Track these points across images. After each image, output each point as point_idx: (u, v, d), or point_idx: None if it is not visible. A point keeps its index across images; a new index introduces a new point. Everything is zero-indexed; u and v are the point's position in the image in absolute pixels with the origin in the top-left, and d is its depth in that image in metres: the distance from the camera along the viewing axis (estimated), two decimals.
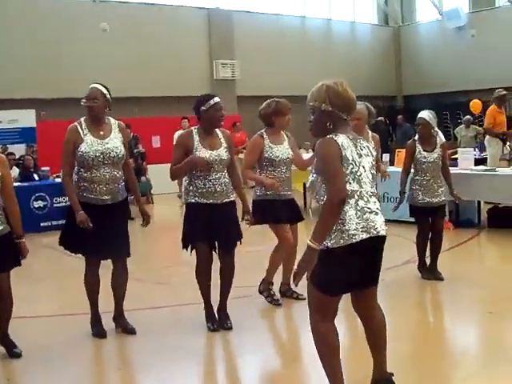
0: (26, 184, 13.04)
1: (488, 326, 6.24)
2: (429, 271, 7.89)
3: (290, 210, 6.88)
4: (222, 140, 6.09)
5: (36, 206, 12.59)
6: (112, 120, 5.99)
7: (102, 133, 5.85)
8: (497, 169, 11.06)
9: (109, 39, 18.78)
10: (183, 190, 6.27)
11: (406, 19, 26.28)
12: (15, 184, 11.95)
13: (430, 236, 7.90)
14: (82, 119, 5.86)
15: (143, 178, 16.40)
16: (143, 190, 16.47)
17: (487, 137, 13.00)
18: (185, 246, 6.17)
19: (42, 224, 12.41)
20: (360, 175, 4.06)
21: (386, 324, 4.37)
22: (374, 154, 4.29)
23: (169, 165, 6.05)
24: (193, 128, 6.16)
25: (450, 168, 11.24)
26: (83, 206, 5.73)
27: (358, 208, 4.02)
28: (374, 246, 4.09)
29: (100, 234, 5.74)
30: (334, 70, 22.86)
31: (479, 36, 22.23)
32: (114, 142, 5.86)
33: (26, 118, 17.18)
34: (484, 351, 5.69)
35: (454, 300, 7.22)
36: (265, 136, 6.77)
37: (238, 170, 6.37)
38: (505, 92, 13.28)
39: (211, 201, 6.00)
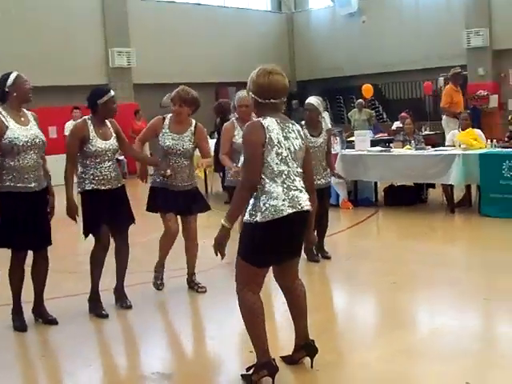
0: None
1: (393, 294, 6.61)
2: (317, 251, 8.13)
3: (183, 201, 6.80)
4: (111, 130, 6.32)
5: None
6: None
7: (22, 119, 5.86)
8: (392, 149, 11.55)
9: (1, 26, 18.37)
10: (77, 179, 6.34)
11: (298, 6, 26.67)
12: None
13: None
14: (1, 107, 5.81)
15: None
16: None
17: (444, 117, 12.81)
18: (87, 234, 6.30)
19: None
20: (286, 156, 4.35)
21: (306, 294, 4.67)
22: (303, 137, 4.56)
23: None
24: (86, 118, 6.30)
25: (348, 150, 11.80)
26: (9, 195, 5.73)
27: (285, 186, 4.33)
28: (298, 220, 4.40)
29: (28, 224, 5.79)
30: (228, 56, 23.17)
31: (369, 22, 22.85)
32: (36, 129, 5.92)
33: None
34: (387, 317, 6.07)
35: (358, 274, 7.62)
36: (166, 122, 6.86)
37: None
38: (460, 69, 13.45)
39: (108, 187, 6.21)
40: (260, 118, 4.34)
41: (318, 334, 4.83)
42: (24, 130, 5.78)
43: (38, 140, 5.85)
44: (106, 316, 6.30)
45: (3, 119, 5.72)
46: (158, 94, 19.64)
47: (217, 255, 4.35)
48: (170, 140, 6.73)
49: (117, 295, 6.62)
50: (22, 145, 5.73)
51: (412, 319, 6.05)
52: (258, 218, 4.25)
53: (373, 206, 11.61)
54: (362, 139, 11.80)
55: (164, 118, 6.87)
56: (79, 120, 6.41)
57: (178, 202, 6.76)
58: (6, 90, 5.76)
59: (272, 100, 4.36)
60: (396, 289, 6.75)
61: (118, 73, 20.57)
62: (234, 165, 7.13)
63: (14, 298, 6.07)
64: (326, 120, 7.93)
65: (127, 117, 19.41)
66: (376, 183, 11.90)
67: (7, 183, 5.75)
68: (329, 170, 8.12)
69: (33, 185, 5.83)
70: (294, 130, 4.45)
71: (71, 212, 6.18)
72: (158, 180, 6.77)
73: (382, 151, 11.50)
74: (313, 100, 7.81)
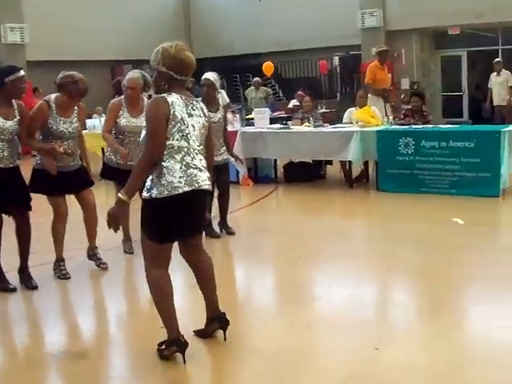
0: None
1: (296, 268, 6.79)
2: (221, 227, 8.27)
3: (68, 180, 6.69)
4: (16, 112, 6.22)
5: None
6: None
7: None
8: (291, 127, 11.74)
9: None
10: None
11: None
12: None
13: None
14: None
15: None
16: None
17: (369, 95, 12.37)
18: None
19: None
20: (188, 133, 4.38)
21: (213, 268, 4.75)
22: (207, 115, 4.61)
23: None
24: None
25: (247, 128, 11.93)
26: None
27: (184, 163, 4.34)
28: (197, 198, 4.44)
29: None
30: (123, 33, 22.85)
31: (265, 0, 22.99)
32: None
33: None
34: (291, 290, 6.23)
35: (261, 249, 7.78)
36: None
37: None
38: (386, 48, 13.43)
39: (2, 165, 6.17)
40: (164, 94, 4.33)
41: (226, 308, 4.91)
42: None
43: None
44: (14, 290, 6.29)
45: None
46: (53, 72, 19.22)
47: (110, 228, 4.37)
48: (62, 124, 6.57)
49: (21, 276, 6.53)
50: None
51: (315, 292, 6.24)
52: (154, 194, 4.29)
53: (273, 182, 11.80)
54: (262, 117, 11.95)
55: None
56: None
57: (65, 182, 6.63)
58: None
59: (183, 77, 4.38)
60: (299, 263, 6.93)
61: (11, 49, 20.01)
62: (123, 148, 7.13)
63: None
64: (224, 95, 7.87)
65: (31, 95, 19.05)
66: (276, 160, 12.09)
67: None
68: (225, 147, 8.10)
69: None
70: (197, 108, 4.48)
71: None
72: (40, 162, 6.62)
73: (281, 128, 11.68)
74: (210, 75, 7.82)
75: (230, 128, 11.55)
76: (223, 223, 8.26)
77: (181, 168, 4.32)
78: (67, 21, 21.33)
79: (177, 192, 4.28)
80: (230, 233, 8.22)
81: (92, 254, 7.07)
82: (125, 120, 7.20)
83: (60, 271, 6.78)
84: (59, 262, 6.82)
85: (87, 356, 4.83)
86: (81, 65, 18.14)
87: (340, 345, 4.76)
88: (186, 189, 4.31)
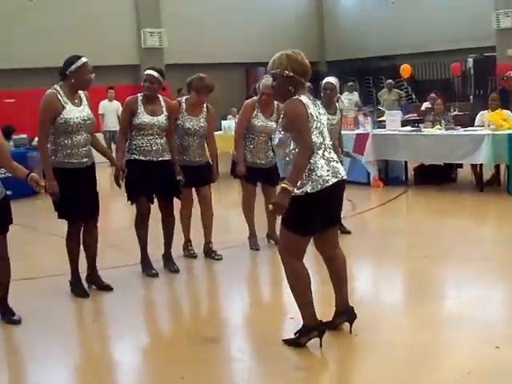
0: None
1: (425, 267, 6.87)
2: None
3: (197, 175, 7.31)
4: (164, 108, 6.91)
5: None
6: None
7: (76, 101, 6.18)
8: (422, 129, 11.75)
9: (35, 9, 18.70)
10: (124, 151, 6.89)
11: None
12: None
13: None
14: (58, 87, 6.12)
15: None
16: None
17: None
18: (129, 200, 6.92)
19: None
20: (322, 130, 4.72)
21: (346, 261, 4.98)
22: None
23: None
24: (138, 95, 6.87)
25: (378, 130, 12.03)
26: (62, 171, 6.09)
27: (325, 158, 4.68)
28: (339, 189, 4.76)
29: (80, 196, 6.18)
30: (257, 36, 23.33)
31: (399, 3, 22.93)
32: (88, 110, 6.27)
33: None
34: (419, 288, 6.33)
35: (390, 247, 7.91)
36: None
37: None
38: None
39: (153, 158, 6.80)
40: (296, 97, 4.61)
41: (354, 303, 5.11)
42: (78, 111, 6.11)
43: (89, 121, 6.20)
44: (157, 275, 6.91)
45: (61, 99, 6.04)
46: (188, 74, 19.91)
47: (277, 215, 4.82)
48: (189, 122, 7.17)
49: (165, 260, 7.15)
50: (75, 124, 6.07)
51: (443, 291, 6.32)
52: (309, 189, 4.55)
53: (403, 184, 11.84)
54: (393, 119, 12.03)
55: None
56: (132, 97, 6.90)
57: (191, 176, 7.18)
58: (67, 73, 6.07)
59: (306, 81, 4.72)
60: (428, 262, 7.01)
61: (150, 53, 20.90)
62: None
63: (73, 266, 6.46)
64: (342, 99, 8.11)
65: (162, 95, 19.75)
66: (406, 162, 12.11)
67: (61, 159, 6.12)
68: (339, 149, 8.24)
69: (86, 160, 6.21)
70: (321, 107, 4.83)
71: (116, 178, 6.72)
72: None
73: (412, 131, 11.71)
74: (332, 79, 8.14)
75: (361, 130, 11.81)
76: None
77: (325, 162, 4.64)
78: (203, 26, 22.03)
79: (327, 184, 4.60)
80: (347, 232, 8.34)
81: (208, 249, 7.57)
82: (259, 121, 7.55)
83: (188, 251, 7.55)
84: (187, 242, 7.56)
85: (217, 341, 5.17)
86: (216, 67, 18.78)
87: (462, 342, 4.88)
88: (334, 180, 4.63)
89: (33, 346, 5.30)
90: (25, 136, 14.17)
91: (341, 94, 19.80)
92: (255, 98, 7.72)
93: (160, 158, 6.83)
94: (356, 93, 20.12)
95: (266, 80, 7.29)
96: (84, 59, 6.12)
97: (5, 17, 18.26)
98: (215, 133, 8.20)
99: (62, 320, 5.93)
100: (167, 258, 7.17)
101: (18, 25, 18.37)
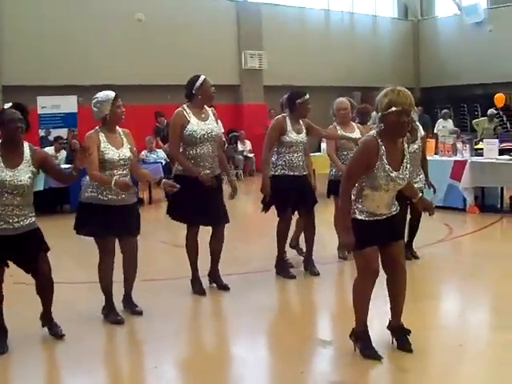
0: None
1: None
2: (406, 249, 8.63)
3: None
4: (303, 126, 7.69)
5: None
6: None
7: (203, 115, 6.88)
8: None
9: (142, 29, 19.61)
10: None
11: (425, 13, 27.05)
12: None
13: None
14: (185, 105, 6.89)
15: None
16: None
17: None
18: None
19: None
20: None
21: (406, 281, 5.30)
22: None
23: None
24: (283, 115, 7.66)
25: (476, 158, 12.27)
26: (187, 179, 6.77)
27: None
28: None
29: (201, 203, 6.81)
30: (355, 62, 23.80)
31: (496, 31, 23.03)
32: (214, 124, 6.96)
33: (68, 104, 18.03)
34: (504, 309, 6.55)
35: (484, 271, 8.19)
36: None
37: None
38: None
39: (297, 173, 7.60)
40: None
41: (437, 321, 5.43)
42: (202, 125, 6.77)
43: (213, 133, 6.85)
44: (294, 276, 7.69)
45: (186, 115, 6.75)
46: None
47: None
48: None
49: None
50: (200, 137, 6.73)
51: None
52: None
53: (498, 212, 12.04)
54: (492, 147, 12.26)
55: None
56: (279, 116, 7.67)
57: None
58: (193, 91, 6.76)
59: None
60: None
61: (250, 74, 21.61)
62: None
63: (193, 266, 7.19)
64: (420, 129, 8.51)
65: (258, 116, 20.48)
66: (502, 190, 12.32)
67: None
68: (421, 175, 8.54)
69: (207, 171, 6.85)
70: None
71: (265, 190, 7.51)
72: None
73: (510, 159, 11.92)
74: (345, 99, 8.67)
75: (459, 157, 12.10)
76: (409, 246, 8.57)
77: None
78: (302, 50, 22.63)
79: None
80: (415, 257, 8.58)
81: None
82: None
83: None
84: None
85: (332, 342, 5.60)
86: (312, 90, 19.22)
87: None
88: None
89: (154, 338, 5.92)
90: None
91: (434, 121, 20.14)
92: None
93: (304, 173, 7.68)
94: (450, 120, 20.31)
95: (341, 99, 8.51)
96: (203, 76, 6.91)
97: (113, 34, 19.19)
98: (314, 154, 8.72)
99: (183, 317, 6.56)
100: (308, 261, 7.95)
101: (124, 44, 19.31)
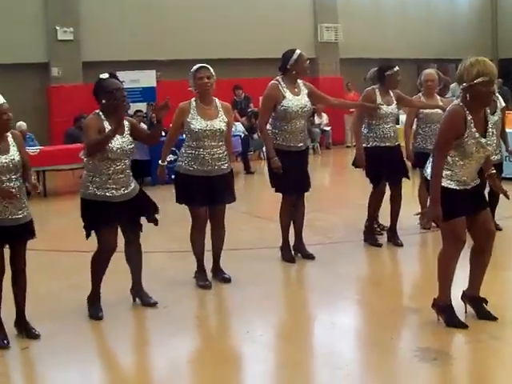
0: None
1: None
2: None
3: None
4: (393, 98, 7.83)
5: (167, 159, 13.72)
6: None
7: (296, 90, 7.02)
8: None
9: (219, 2, 19.80)
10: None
11: None
12: None
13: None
14: (279, 78, 7.03)
15: (255, 136, 17.46)
16: (256, 147, 17.61)
17: None
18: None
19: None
20: None
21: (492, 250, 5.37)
22: None
23: None
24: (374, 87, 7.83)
25: None
26: (281, 152, 7.00)
27: None
28: None
29: (296, 175, 7.11)
30: (431, 33, 23.47)
31: None
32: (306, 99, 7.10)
33: (147, 79, 18.38)
34: None
35: None
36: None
37: None
38: None
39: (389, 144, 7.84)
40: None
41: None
42: (296, 100, 6.88)
43: (306, 108, 6.97)
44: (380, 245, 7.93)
45: (282, 90, 6.85)
46: (361, 69, 20.45)
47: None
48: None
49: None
50: (294, 112, 6.85)
51: None
52: None
53: None
54: None
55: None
56: (368, 88, 7.82)
57: None
58: (288, 66, 6.88)
59: None
60: None
61: (326, 47, 21.58)
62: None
63: (284, 233, 7.43)
64: (500, 99, 8.46)
65: (334, 89, 20.42)
66: None
67: (282, 142, 7.02)
68: (503, 146, 8.65)
69: (300, 144, 7.02)
70: None
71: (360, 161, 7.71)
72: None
73: None
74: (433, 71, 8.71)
75: None
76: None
77: None
78: (378, 21, 22.45)
79: None
80: None
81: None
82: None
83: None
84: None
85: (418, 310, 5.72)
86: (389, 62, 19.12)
87: None
88: None
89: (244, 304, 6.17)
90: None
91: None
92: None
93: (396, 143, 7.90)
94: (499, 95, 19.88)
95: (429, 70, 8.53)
96: (299, 51, 7.04)
97: (190, 7, 19.41)
98: None
99: (272, 284, 6.81)
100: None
101: (202, 18, 19.51)
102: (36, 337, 5.41)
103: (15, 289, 5.39)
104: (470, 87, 4.97)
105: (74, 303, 6.10)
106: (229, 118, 6.54)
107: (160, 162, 6.66)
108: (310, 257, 7.42)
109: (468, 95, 5.01)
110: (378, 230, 8.30)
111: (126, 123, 5.79)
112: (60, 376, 4.89)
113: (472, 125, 5.01)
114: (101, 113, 5.74)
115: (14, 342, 5.30)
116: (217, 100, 6.52)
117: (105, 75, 5.86)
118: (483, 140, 5.05)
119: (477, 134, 5.02)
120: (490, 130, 5.17)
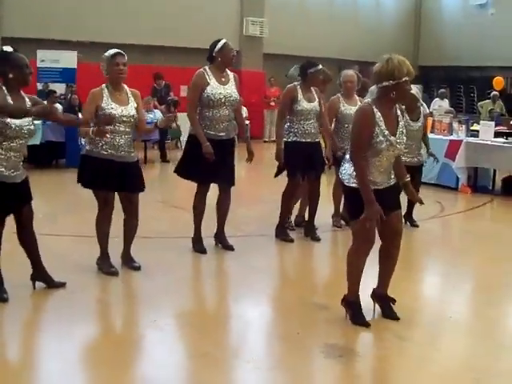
0: None
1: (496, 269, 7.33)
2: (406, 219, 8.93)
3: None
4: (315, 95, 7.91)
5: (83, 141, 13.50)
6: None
7: (223, 79, 7.04)
8: None
9: None
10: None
11: None
12: None
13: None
14: (207, 67, 7.02)
15: (174, 125, 17.31)
16: (174, 135, 17.46)
17: None
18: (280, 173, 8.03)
19: None
20: None
21: (399, 251, 5.48)
22: None
23: None
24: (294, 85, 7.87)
25: (471, 138, 12.41)
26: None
27: None
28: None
29: (213, 164, 6.93)
30: (355, 35, 23.81)
31: (498, 15, 23.09)
32: (233, 89, 7.10)
33: (68, 59, 17.97)
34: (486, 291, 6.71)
35: (469, 250, 8.39)
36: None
37: None
38: None
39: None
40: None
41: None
42: (221, 88, 6.89)
43: (231, 98, 6.99)
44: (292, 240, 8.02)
45: (207, 77, 6.86)
46: (283, 65, 20.56)
47: None
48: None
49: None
50: (217, 100, 6.87)
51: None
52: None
53: (490, 193, 12.20)
54: (488, 129, 12.41)
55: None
56: (289, 85, 7.88)
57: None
58: (214, 54, 6.91)
59: None
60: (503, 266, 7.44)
61: (250, 41, 21.62)
62: None
63: (197, 225, 7.38)
64: (425, 107, 8.80)
65: (256, 83, 20.50)
66: (495, 172, 12.47)
67: (203, 130, 7.02)
68: (423, 150, 9.11)
69: (221, 134, 7.02)
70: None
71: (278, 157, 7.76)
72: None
73: (505, 143, 12.08)
74: (413, 90, 8.65)
75: (454, 137, 12.26)
76: (409, 215, 9.09)
77: None
78: (303, 19, 22.63)
79: None
80: (415, 225, 9.09)
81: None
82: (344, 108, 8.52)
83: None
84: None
85: (327, 307, 5.76)
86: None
87: None
88: None
89: (152, 293, 6.10)
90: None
91: (430, 99, 20.25)
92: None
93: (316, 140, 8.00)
94: (447, 100, 20.45)
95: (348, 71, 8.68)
96: (224, 40, 7.08)
97: None
98: None
99: (182, 274, 6.79)
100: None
101: (123, 2, 19.30)
102: None
103: None
104: (398, 84, 5.02)
105: None
106: (139, 104, 6.50)
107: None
108: (230, 248, 7.46)
109: (395, 92, 5.06)
110: (291, 226, 8.38)
111: (28, 102, 5.67)
112: None
113: (382, 123, 5.07)
114: (3, 87, 5.58)
115: None
116: (125, 86, 6.47)
117: (8, 48, 5.68)
118: (392, 138, 5.11)
119: (386, 132, 5.07)
120: (400, 128, 5.23)
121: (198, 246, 7.38)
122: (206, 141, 6.94)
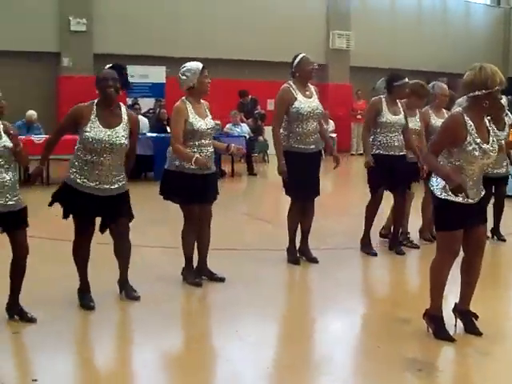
0: (162, 135, 14.26)
1: None
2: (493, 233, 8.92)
3: None
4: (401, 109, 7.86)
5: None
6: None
7: (307, 93, 7.16)
8: None
9: (231, 3, 19.89)
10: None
11: None
12: (152, 135, 13.46)
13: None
14: (291, 82, 7.17)
15: (261, 138, 17.53)
16: (261, 148, 17.65)
17: None
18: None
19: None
20: None
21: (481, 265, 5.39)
22: None
23: None
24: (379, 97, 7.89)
25: None
26: (292, 155, 7.14)
27: None
28: None
29: (305, 179, 7.29)
30: (444, 47, 23.52)
31: None
32: (317, 102, 7.23)
33: (156, 74, 18.44)
34: None
35: None
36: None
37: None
38: None
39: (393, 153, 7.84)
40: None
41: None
42: (308, 102, 7.04)
43: (317, 110, 7.15)
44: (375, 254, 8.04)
45: (293, 92, 7.02)
46: (371, 77, 20.48)
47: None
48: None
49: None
50: (306, 114, 7.02)
51: None
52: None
53: None
54: None
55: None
56: (375, 98, 7.88)
57: None
58: (293, 69, 7.03)
59: None
60: None
61: (337, 54, 21.64)
62: None
63: (291, 236, 7.53)
64: (510, 116, 8.62)
65: (343, 96, 20.48)
66: None
67: (293, 144, 7.16)
68: (507, 161, 8.80)
69: (312, 146, 7.17)
70: None
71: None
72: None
73: None
74: (503, 99, 8.54)
75: None
76: (496, 230, 9.00)
77: None
78: (390, 32, 22.53)
79: None
80: (502, 239, 8.93)
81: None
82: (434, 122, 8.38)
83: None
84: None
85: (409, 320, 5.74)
86: (398, 72, 19.11)
87: None
88: None
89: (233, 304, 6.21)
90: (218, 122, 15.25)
91: None
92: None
93: (401, 153, 7.87)
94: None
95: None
96: (302, 54, 7.19)
97: (203, 6, 19.54)
98: None
99: (266, 287, 6.82)
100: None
101: (214, 18, 19.60)
102: (31, 320, 5.45)
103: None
104: (490, 94, 4.99)
105: (67, 291, 6.12)
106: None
107: None
108: (314, 260, 7.53)
109: (487, 102, 5.03)
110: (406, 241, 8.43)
111: (124, 114, 5.89)
112: (45, 363, 4.88)
113: (473, 131, 5.04)
114: (95, 101, 5.80)
115: (5, 327, 5.34)
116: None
117: (107, 66, 5.92)
118: (486, 146, 5.09)
119: (478, 140, 5.05)
120: (492, 136, 5.21)
121: (293, 257, 7.51)
122: (283, 159, 7.10)
